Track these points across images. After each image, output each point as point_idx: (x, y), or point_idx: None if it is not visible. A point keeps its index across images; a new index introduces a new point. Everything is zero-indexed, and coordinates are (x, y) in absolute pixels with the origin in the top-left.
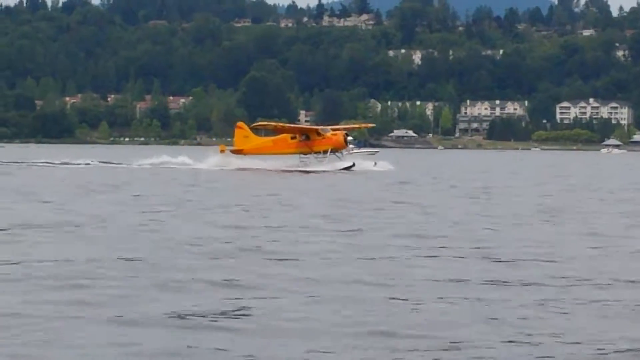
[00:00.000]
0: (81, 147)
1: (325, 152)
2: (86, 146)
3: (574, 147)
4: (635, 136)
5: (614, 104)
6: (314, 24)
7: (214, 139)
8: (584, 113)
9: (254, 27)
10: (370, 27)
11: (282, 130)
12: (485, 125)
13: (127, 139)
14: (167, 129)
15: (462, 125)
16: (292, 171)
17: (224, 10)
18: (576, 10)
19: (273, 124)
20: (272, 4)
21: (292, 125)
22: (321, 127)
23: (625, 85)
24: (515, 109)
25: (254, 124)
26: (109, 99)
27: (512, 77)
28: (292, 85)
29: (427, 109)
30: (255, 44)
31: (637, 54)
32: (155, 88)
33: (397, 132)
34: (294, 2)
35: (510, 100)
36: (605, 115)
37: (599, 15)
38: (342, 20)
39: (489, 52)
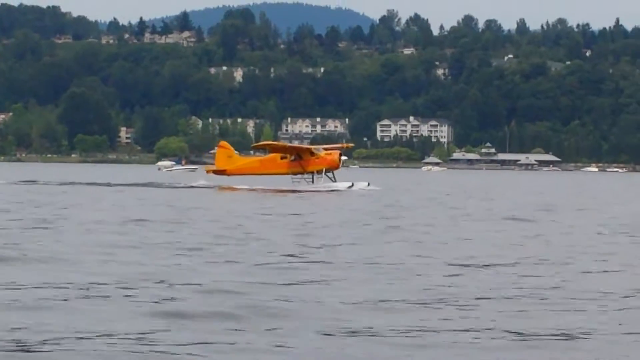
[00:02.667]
0: None
1: (319, 172)
2: None
3: (394, 165)
4: (454, 154)
5: (433, 122)
6: (135, 41)
7: (34, 155)
8: (404, 131)
9: (74, 44)
10: (191, 44)
11: (281, 150)
12: (306, 142)
13: None
14: None
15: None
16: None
17: (44, 26)
18: (397, 29)
19: (275, 143)
20: (93, 21)
21: (292, 145)
22: (314, 146)
23: (445, 104)
24: (336, 127)
25: (255, 144)
26: None
27: (333, 95)
28: (113, 102)
29: (248, 126)
30: (76, 60)
31: (457, 73)
32: None
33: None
34: (115, 19)
35: (331, 118)
36: (425, 133)
37: (419, 34)
38: (163, 37)
39: (310, 70)
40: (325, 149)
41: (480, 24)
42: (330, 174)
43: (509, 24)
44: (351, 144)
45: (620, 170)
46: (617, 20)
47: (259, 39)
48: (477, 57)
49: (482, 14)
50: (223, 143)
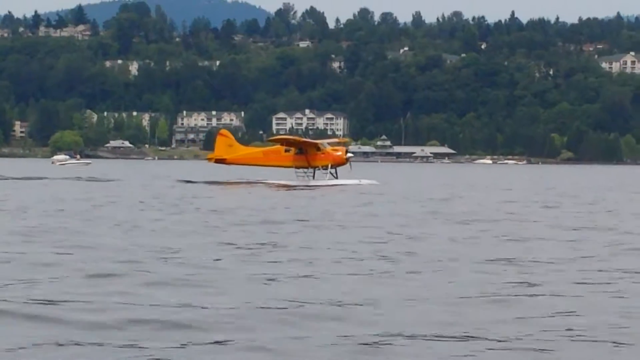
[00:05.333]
0: None
1: (324, 167)
2: None
3: None
4: (350, 147)
5: (329, 115)
6: (30, 34)
7: None
8: (300, 124)
9: None
10: (87, 38)
11: (293, 144)
12: (201, 136)
13: None
14: None
15: (178, 136)
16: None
17: None
18: (293, 22)
19: (292, 137)
20: None
21: (306, 140)
22: (320, 141)
23: (341, 97)
24: (231, 120)
25: (272, 138)
26: None
27: (229, 88)
28: (7, 96)
29: (143, 120)
30: None
31: (352, 65)
32: None
33: (113, 143)
34: (10, 12)
35: (227, 111)
36: (321, 126)
37: (315, 27)
38: (58, 30)
39: (206, 63)
40: (330, 144)
41: (376, 17)
42: (333, 171)
43: (404, 17)
44: (347, 139)
45: (510, 162)
46: (513, 13)
47: (154, 32)
48: (372, 50)
49: (378, 6)
50: (224, 131)
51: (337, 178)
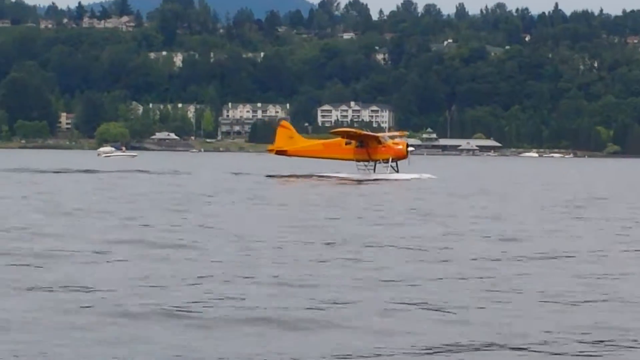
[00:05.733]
0: None
1: (385, 161)
2: None
3: None
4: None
5: (374, 107)
6: (74, 25)
7: None
8: (345, 116)
9: (13, 28)
10: (130, 29)
11: (354, 137)
12: (247, 128)
13: None
14: None
15: (224, 128)
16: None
17: None
18: (336, 13)
19: (353, 130)
20: (31, 5)
21: (366, 133)
22: (381, 134)
23: (385, 89)
24: (277, 112)
25: (333, 130)
26: None
27: (274, 80)
28: (52, 87)
29: (188, 112)
30: (14, 46)
31: (397, 57)
32: None
33: (159, 135)
34: (53, 3)
35: (272, 103)
36: (366, 119)
37: (359, 19)
38: (102, 21)
39: (250, 54)
40: (391, 138)
41: (420, 9)
42: (393, 164)
43: (448, 9)
44: (406, 132)
45: (557, 155)
46: (556, 5)
47: (198, 23)
48: (416, 42)
49: None
50: (284, 123)
51: (397, 172)
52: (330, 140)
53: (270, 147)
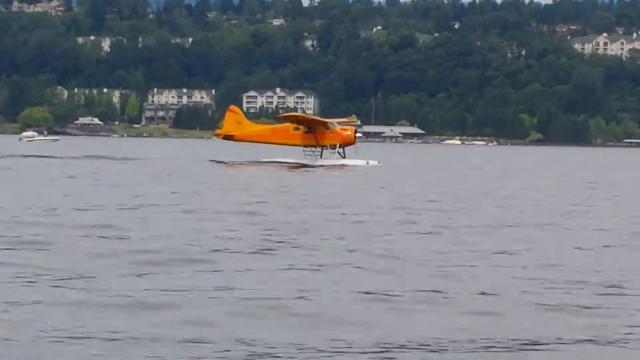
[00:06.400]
0: None
1: (333, 147)
2: None
3: None
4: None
5: (300, 94)
6: (3, 9)
7: None
8: (271, 102)
9: None
10: (60, 14)
11: (302, 122)
12: (171, 113)
13: None
14: None
15: (148, 114)
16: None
17: None
18: None
19: (302, 115)
20: None
21: (315, 118)
22: (329, 120)
23: (312, 75)
24: (202, 98)
25: (283, 114)
26: None
27: (201, 66)
28: None
29: (114, 97)
30: None
31: (325, 44)
32: None
33: (82, 120)
34: None
35: (199, 89)
36: (291, 105)
37: (289, 5)
38: (31, 6)
39: (179, 40)
40: (339, 124)
41: None
42: (340, 150)
43: None
44: (355, 118)
45: (479, 143)
46: None
47: (128, 8)
48: (346, 29)
49: None
50: (233, 107)
51: (344, 158)
52: (278, 126)
53: (217, 131)
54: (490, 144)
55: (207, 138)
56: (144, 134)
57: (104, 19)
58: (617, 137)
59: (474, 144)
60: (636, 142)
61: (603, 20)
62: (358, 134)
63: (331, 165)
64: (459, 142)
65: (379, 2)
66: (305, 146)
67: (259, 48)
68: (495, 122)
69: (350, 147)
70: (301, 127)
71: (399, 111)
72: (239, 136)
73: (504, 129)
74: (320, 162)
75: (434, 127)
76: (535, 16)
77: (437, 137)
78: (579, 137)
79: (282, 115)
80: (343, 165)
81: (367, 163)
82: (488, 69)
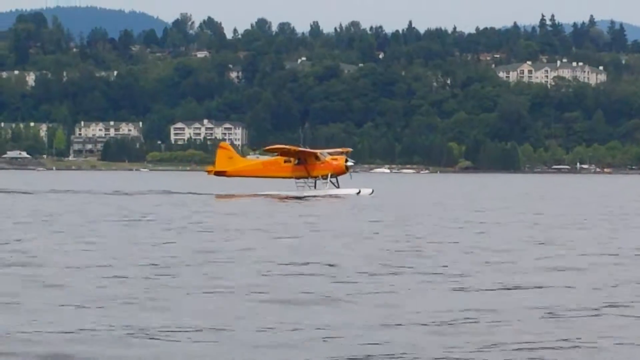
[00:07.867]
0: None
1: (324, 177)
2: None
3: (188, 168)
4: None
5: (227, 125)
6: None
7: None
8: (199, 134)
9: None
10: None
11: (288, 154)
12: (99, 146)
13: None
14: None
15: (76, 147)
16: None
17: None
18: (191, 32)
19: (284, 146)
20: None
21: (300, 149)
22: (319, 151)
23: (238, 107)
24: (130, 130)
25: (268, 147)
26: None
27: (127, 99)
28: None
29: (41, 130)
30: None
31: (251, 75)
32: None
33: (10, 154)
34: None
35: (125, 121)
36: (219, 136)
37: (213, 37)
38: None
39: (103, 73)
40: (330, 154)
41: (274, 27)
42: (334, 180)
43: (302, 27)
44: (349, 149)
45: (409, 171)
46: (410, 23)
47: (51, 43)
48: (270, 60)
49: (276, 17)
50: (223, 144)
51: (338, 187)
52: (269, 159)
53: (209, 168)
54: (421, 172)
55: (136, 170)
56: (73, 167)
57: (28, 54)
58: (545, 163)
59: (401, 172)
60: (565, 168)
61: (527, 48)
62: (350, 162)
63: (323, 195)
64: (388, 171)
65: (303, 33)
66: (297, 178)
67: (184, 80)
68: (423, 150)
69: (343, 175)
70: (292, 159)
71: (327, 141)
72: (231, 172)
73: (433, 156)
74: (311, 192)
75: (363, 156)
76: (459, 45)
77: (366, 165)
78: (507, 164)
79: (267, 148)
80: (336, 195)
81: (359, 192)
82: (414, 98)
